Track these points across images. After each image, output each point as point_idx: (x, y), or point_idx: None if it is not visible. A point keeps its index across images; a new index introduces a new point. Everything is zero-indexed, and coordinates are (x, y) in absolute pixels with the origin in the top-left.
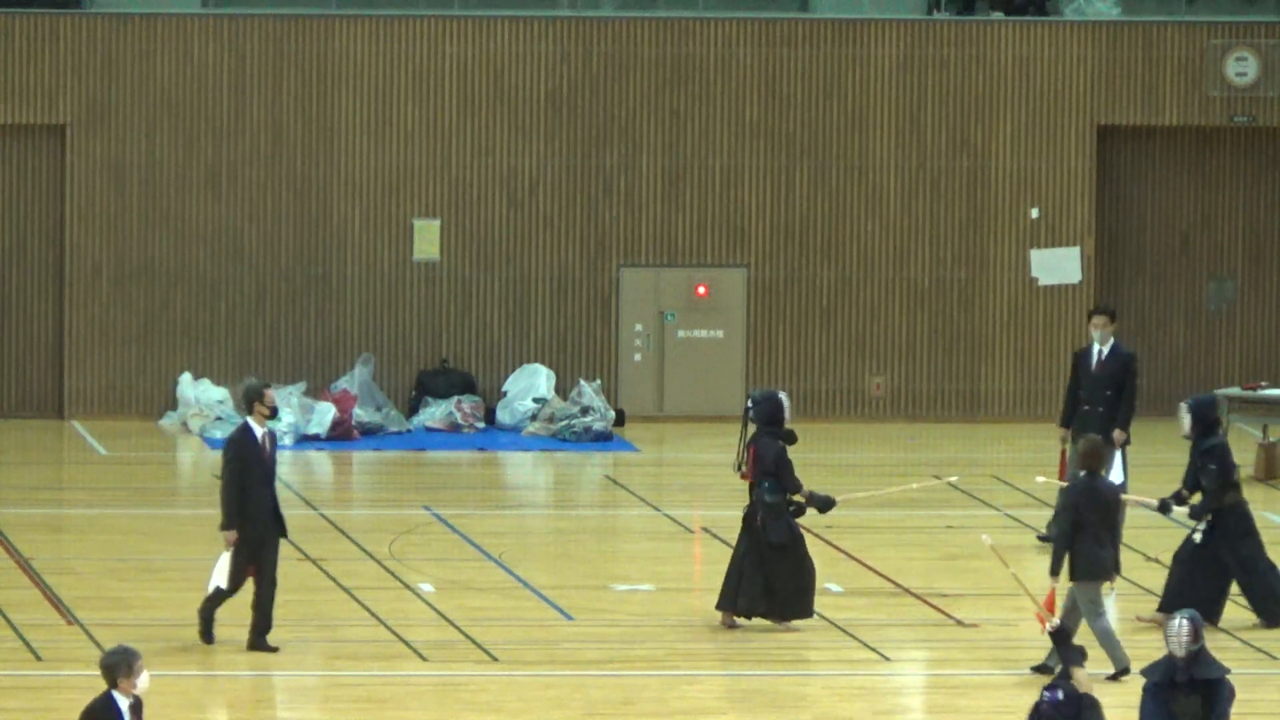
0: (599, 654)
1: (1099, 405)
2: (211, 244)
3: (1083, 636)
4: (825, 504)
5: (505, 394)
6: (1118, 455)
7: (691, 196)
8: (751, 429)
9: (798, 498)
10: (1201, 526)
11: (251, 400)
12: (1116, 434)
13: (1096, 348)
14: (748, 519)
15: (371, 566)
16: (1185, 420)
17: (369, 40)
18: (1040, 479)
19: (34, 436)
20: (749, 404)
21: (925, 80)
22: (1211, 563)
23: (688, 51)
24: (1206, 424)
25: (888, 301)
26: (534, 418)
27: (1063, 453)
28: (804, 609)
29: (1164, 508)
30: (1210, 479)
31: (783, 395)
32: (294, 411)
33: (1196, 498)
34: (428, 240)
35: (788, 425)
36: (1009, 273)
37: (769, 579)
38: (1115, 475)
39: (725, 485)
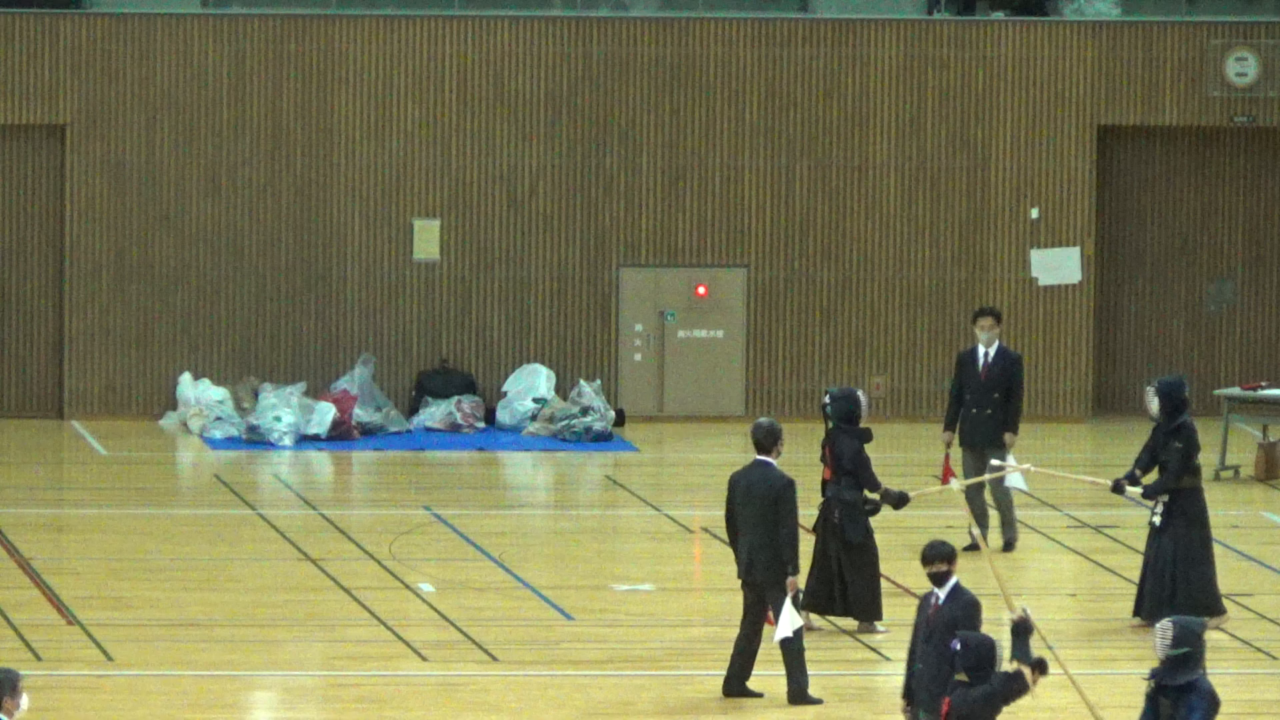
0: (599, 654)
1: (986, 408)
2: (211, 244)
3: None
4: (900, 500)
5: (505, 394)
6: (1010, 458)
7: (691, 196)
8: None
9: (874, 495)
10: (1159, 509)
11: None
12: (1008, 437)
13: (982, 350)
14: (825, 517)
15: (371, 566)
16: (1153, 402)
17: (369, 40)
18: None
19: (34, 436)
20: (826, 400)
21: (925, 80)
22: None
23: (688, 51)
24: (1174, 404)
25: (888, 301)
26: (534, 418)
27: (946, 456)
28: (879, 609)
29: (1117, 488)
30: (1173, 458)
31: (860, 393)
32: (294, 411)
33: (1151, 477)
34: (428, 240)
35: (864, 423)
36: (1009, 273)
37: (846, 579)
38: (1010, 479)
39: (725, 485)
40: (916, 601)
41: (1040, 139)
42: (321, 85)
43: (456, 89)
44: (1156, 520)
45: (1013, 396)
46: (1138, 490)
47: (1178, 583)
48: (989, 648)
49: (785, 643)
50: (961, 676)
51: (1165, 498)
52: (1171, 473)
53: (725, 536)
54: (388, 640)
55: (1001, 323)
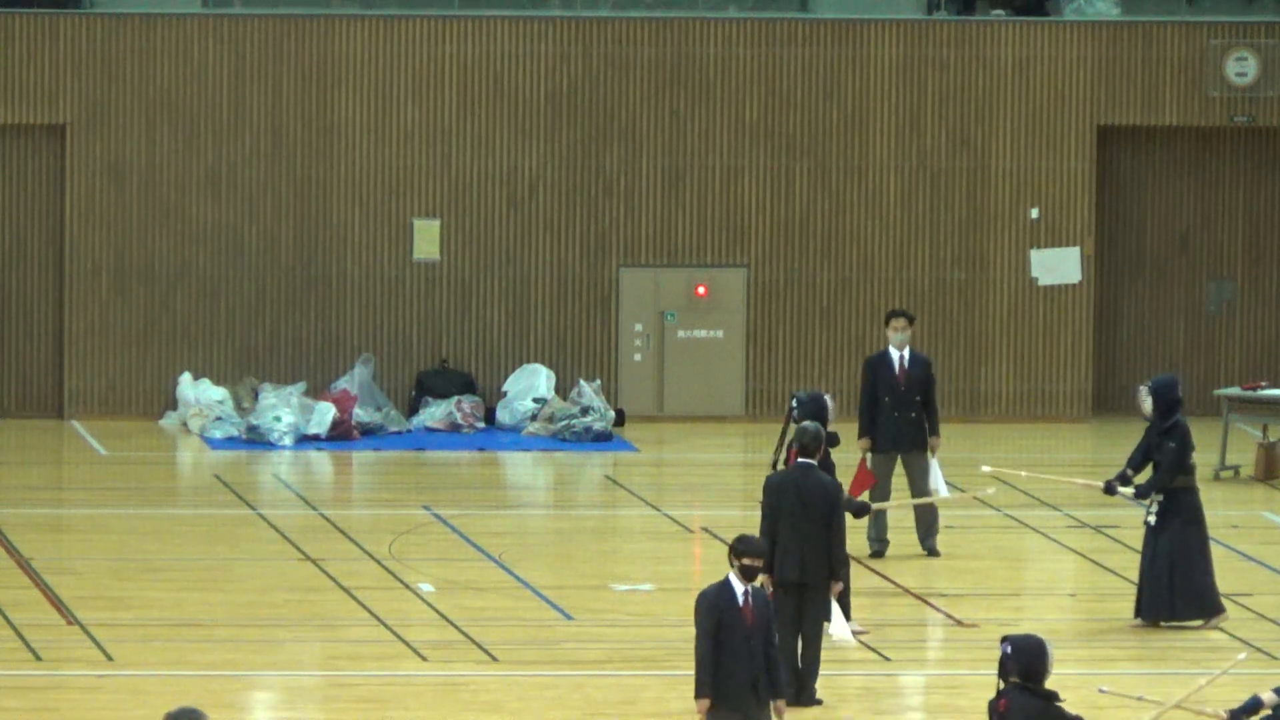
0: (599, 654)
1: (910, 412)
2: (211, 244)
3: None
4: (860, 510)
5: (505, 394)
6: (934, 462)
7: (691, 196)
8: (793, 429)
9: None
10: (1153, 509)
11: None
12: (934, 441)
13: (896, 354)
14: None
15: (371, 566)
16: (1146, 402)
17: (369, 40)
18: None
19: (34, 436)
20: (793, 404)
21: (925, 80)
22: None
23: (688, 51)
24: (1168, 404)
25: (888, 301)
26: (534, 418)
27: (862, 462)
28: (847, 609)
29: (1108, 489)
30: (1167, 457)
31: (828, 396)
32: (294, 411)
33: (1144, 477)
34: (428, 240)
35: (831, 427)
36: (1009, 273)
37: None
38: (936, 483)
39: (725, 485)
40: (915, 601)
41: (1040, 139)
42: (321, 85)
43: (456, 89)
44: (1151, 520)
45: (931, 398)
46: (1130, 490)
47: (1175, 583)
48: (1038, 647)
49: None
50: (1015, 679)
51: (1159, 497)
52: (1164, 472)
53: (726, 537)
54: (388, 640)
55: (914, 324)
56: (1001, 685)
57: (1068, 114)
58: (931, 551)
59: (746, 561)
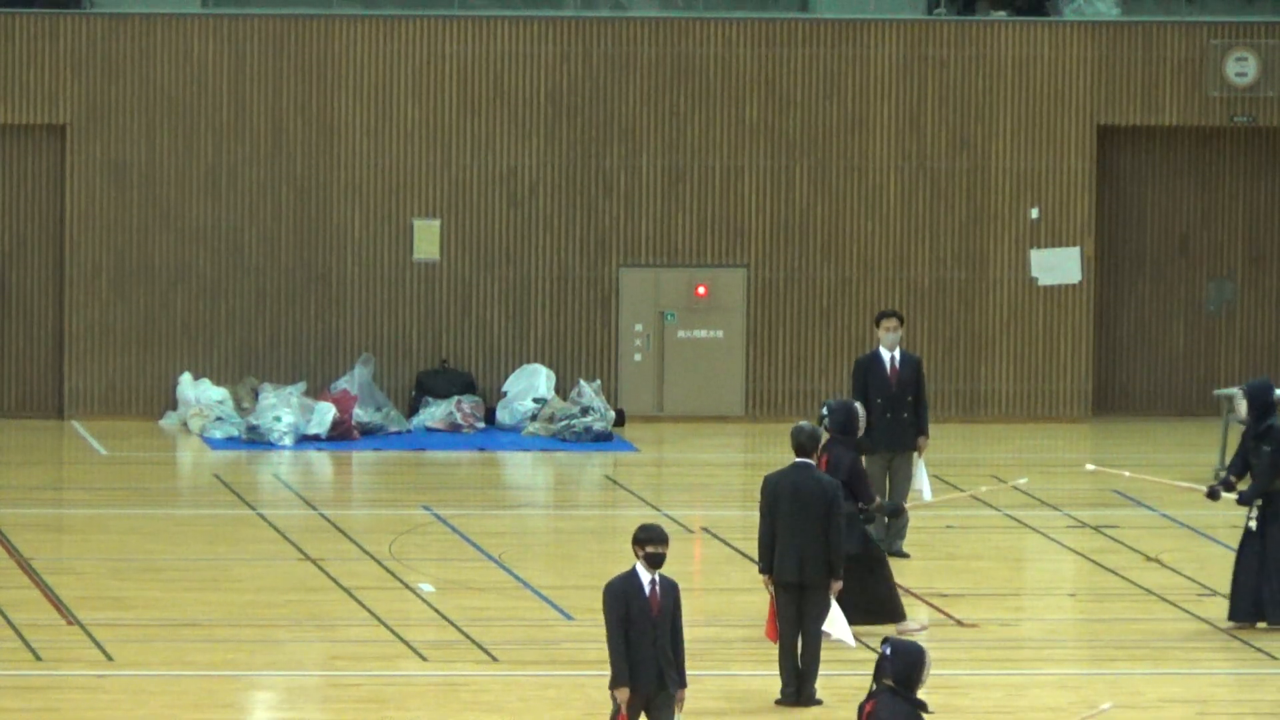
0: (599, 654)
1: (902, 412)
2: (211, 244)
3: None
4: (895, 511)
5: (505, 394)
6: (920, 463)
7: (691, 196)
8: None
9: (870, 507)
10: (1254, 514)
11: None
12: (923, 441)
13: (887, 354)
14: None
15: (371, 566)
16: (1241, 405)
17: (369, 40)
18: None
19: (34, 436)
20: (824, 412)
21: (925, 80)
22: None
23: (688, 51)
24: (1262, 406)
25: (888, 301)
26: (534, 418)
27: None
28: (899, 609)
29: (1212, 494)
30: (1263, 461)
31: (858, 405)
32: (294, 411)
33: (1245, 483)
34: (428, 240)
35: (860, 435)
36: (1009, 273)
37: (847, 590)
38: (920, 484)
39: (725, 485)
40: (915, 601)
41: (1040, 139)
42: (321, 85)
43: (456, 89)
44: (1252, 525)
45: (921, 399)
46: (1233, 496)
47: (1276, 586)
48: (918, 655)
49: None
50: (888, 682)
51: (1259, 502)
52: (1262, 476)
53: (726, 537)
54: (388, 640)
55: (904, 325)
56: (874, 686)
57: (1067, 114)
58: (899, 554)
59: (650, 549)
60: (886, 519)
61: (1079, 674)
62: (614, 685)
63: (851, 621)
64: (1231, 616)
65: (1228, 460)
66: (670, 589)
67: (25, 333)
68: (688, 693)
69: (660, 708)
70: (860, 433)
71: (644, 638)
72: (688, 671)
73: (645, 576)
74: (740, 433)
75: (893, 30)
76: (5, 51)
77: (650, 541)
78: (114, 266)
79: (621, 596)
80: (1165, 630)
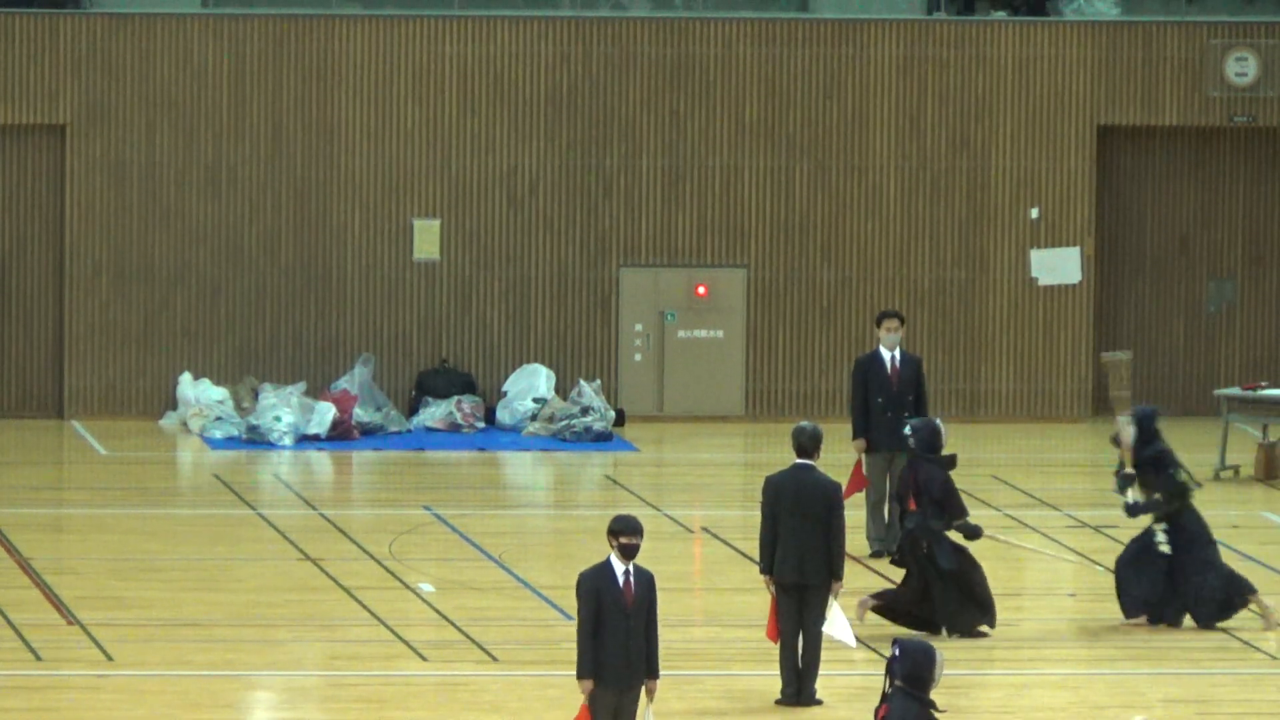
0: None
1: (904, 411)
2: (211, 244)
3: None
4: (975, 533)
5: (505, 394)
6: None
7: (691, 196)
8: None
9: (960, 524)
10: (1162, 539)
11: None
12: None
13: (887, 354)
14: (912, 548)
15: (371, 566)
16: (1128, 430)
17: (369, 40)
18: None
19: (34, 436)
20: (908, 433)
21: (925, 80)
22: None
23: (688, 51)
24: (1148, 433)
25: (888, 301)
26: (534, 418)
27: (859, 464)
28: (992, 613)
29: (1123, 483)
30: (1165, 484)
31: (939, 422)
32: (294, 411)
33: (1138, 492)
34: (428, 240)
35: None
36: (1009, 273)
37: (946, 604)
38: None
39: (725, 485)
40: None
41: (1040, 139)
42: (321, 85)
43: (456, 89)
44: (1165, 549)
45: (922, 398)
46: (1132, 493)
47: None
48: (926, 654)
49: (818, 641)
50: (899, 683)
51: (1164, 525)
52: (1155, 504)
53: (726, 537)
54: (388, 640)
55: (905, 325)
56: (887, 690)
57: (1068, 114)
58: (878, 555)
59: (624, 540)
60: (968, 539)
61: (1079, 674)
62: (580, 676)
63: (970, 623)
64: (1128, 615)
65: (1228, 460)
66: (645, 580)
67: (25, 332)
68: (688, 692)
69: (631, 703)
70: (943, 449)
71: (617, 630)
72: (688, 671)
73: (619, 568)
74: (740, 433)
75: (892, 30)
76: (5, 51)
77: (624, 532)
78: (114, 266)
79: (595, 588)
80: (1165, 630)
